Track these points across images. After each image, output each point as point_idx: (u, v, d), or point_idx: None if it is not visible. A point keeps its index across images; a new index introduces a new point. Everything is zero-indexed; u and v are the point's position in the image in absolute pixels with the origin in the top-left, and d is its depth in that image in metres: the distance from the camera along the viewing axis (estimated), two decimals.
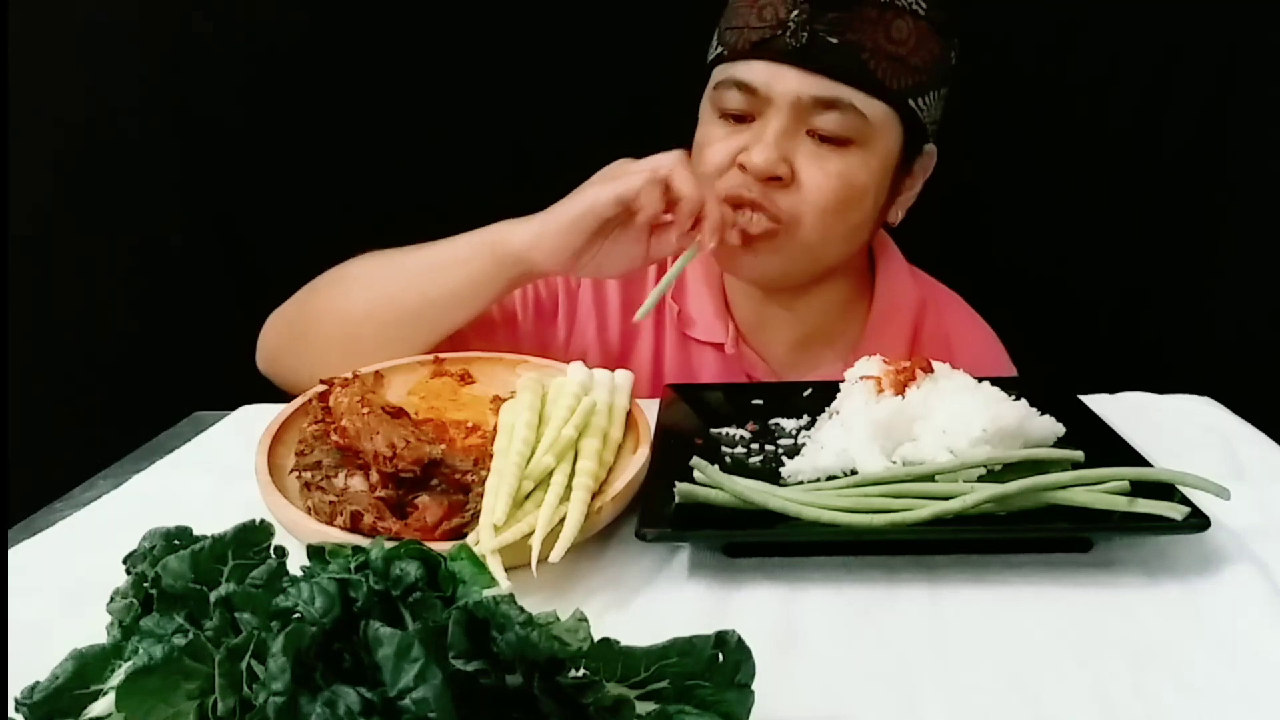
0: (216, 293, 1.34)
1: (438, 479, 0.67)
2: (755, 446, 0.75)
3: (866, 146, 0.90)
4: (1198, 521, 0.59)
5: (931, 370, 0.73)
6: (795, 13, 0.87)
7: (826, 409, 0.76)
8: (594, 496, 0.64)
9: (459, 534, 0.62)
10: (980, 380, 0.74)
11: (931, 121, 0.94)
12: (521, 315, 1.01)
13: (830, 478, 0.67)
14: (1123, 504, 0.60)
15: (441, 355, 0.85)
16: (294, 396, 0.78)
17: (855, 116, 0.88)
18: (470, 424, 0.75)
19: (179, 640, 0.40)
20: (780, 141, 0.89)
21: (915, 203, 1.01)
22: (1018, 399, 0.72)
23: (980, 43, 1.20)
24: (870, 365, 0.76)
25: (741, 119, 0.92)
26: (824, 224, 0.91)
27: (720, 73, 0.93)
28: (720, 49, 0.94)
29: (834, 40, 0.86)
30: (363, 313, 0.90)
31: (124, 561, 0.47)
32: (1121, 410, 0.78)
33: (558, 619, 0.39)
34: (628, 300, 1.04)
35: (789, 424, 0.78)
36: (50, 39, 1.24)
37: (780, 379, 1.03)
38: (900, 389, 0.71)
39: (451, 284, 0.88)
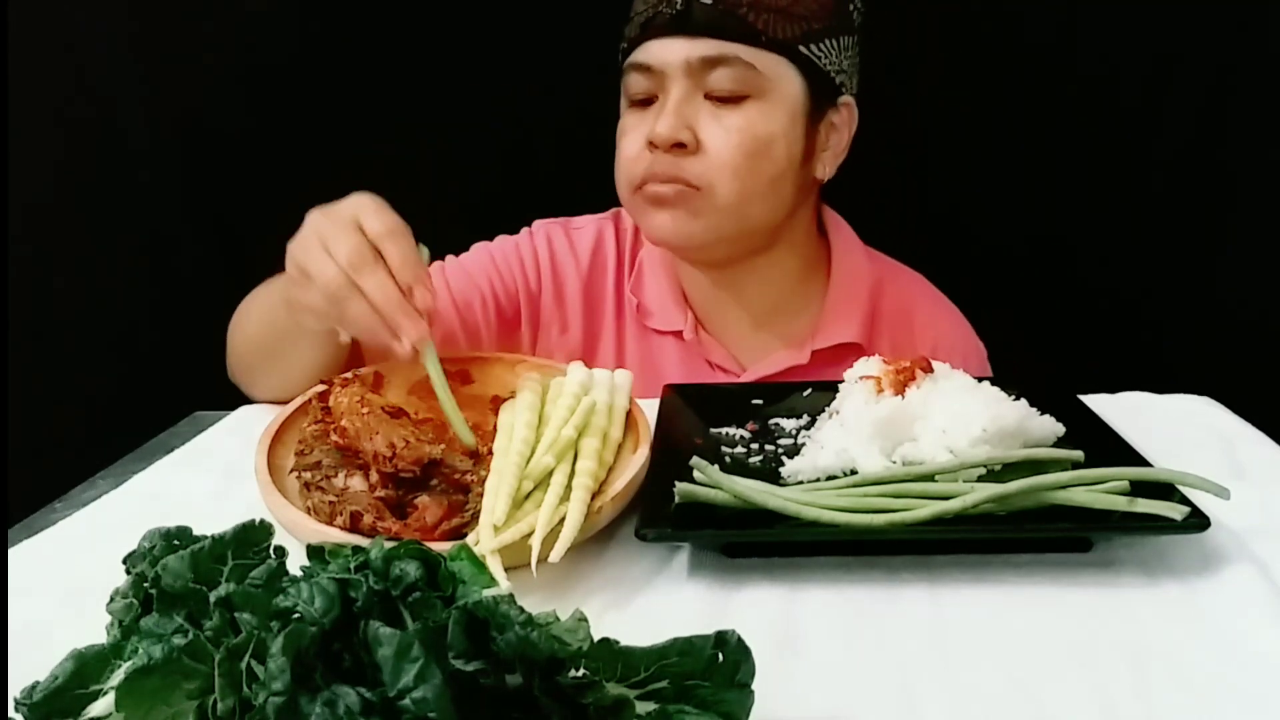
0: (216, 293, 1.34)
1: (437, 479, 0.67)
2: (755, 446, 0.75)
3: (764, 98, 0.91)
4: (1198, 521, 0.59)
5: (931, 370, 0.73)
6: None
7: (826, 409, 0.76)
8: (594, 496, 0.64)
9: (459, 534, 0.62)
10: (980, 380, 0.74)
11: (837, 70, 0.95)
12: (485, 329, 1.01)
13: (830, 478, 0.67)
14: (1123, 504, 0.60)
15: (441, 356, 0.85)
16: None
17: (745, 69, 0.90)
18: (470, 424, 0.75)
19: (179, 640, 0.40)
20: (680, 109, 0.91)
21: (916, 202, 1.01)
22: (1018, 399, 0.72)
23: (980, 38, 1.21)
24: (870, 365, 0.76)
25: (648, 102, 0.94)
26: (738, 182, 0.91)
27: (625, 63, 0.97)
28: (623, 43, 0.97)
29: (708, 2, 0.89)
30: (244, 348, 0.93)
31: (124, 561, 0.47)
32: (1121, 410, 0.78)
33: (558, 619, 0.39)
34: (589, 298, 1.05)
35: (789, 424, 0.78)
36: (50, 40, 1.24)
37: (739, 363, 1.03)
38: (900, 389, 0.71)
39: (282, 330, 0.86)
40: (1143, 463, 0.67)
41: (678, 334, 1.03)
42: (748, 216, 0.95)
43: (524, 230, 1.08)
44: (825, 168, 0.99)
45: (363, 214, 0.74)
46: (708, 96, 0.92)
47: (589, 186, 1.09)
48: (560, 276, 1.05)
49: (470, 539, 0.58)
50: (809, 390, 0.82)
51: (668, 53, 0.91)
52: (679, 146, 0.91)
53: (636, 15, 0.95)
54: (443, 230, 0.96)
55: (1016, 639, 0.55)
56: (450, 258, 1.05)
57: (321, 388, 0.76)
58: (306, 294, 0.74)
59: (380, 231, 0.73)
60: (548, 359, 1.01)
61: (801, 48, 0.92)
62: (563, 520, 0.60)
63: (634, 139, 0.95)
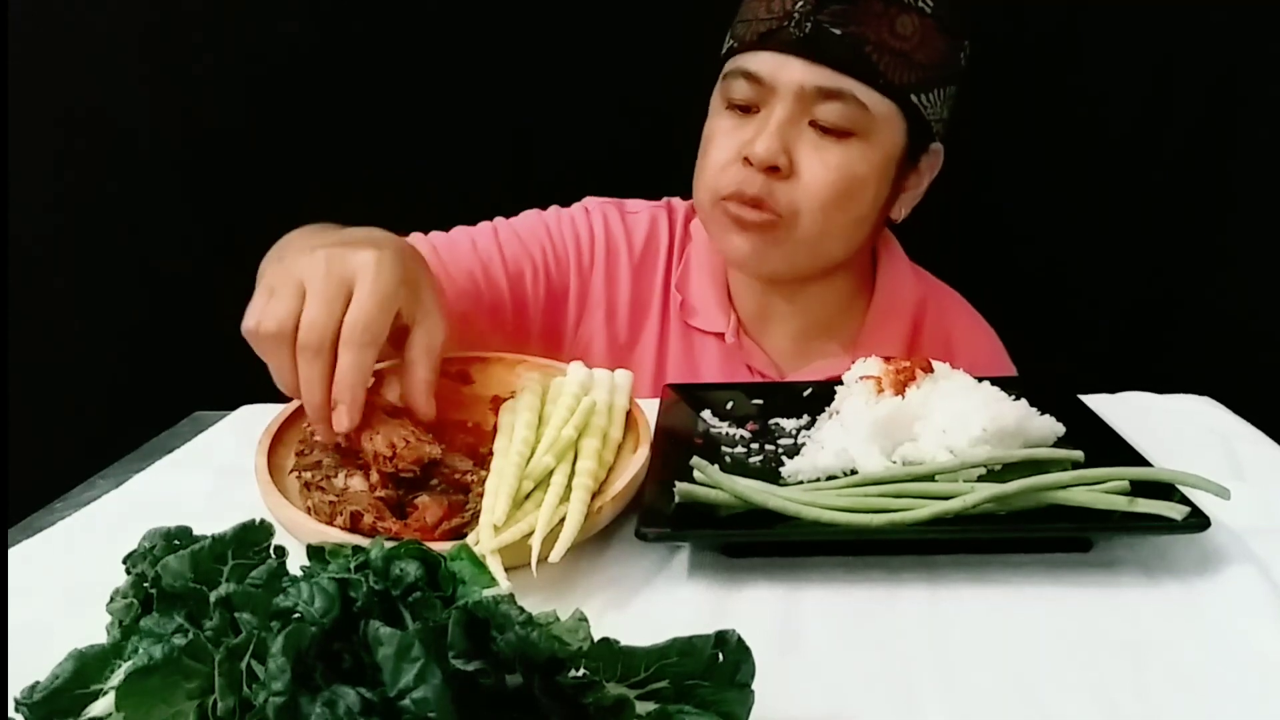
0: (217, 293, 1.34)
1: (438, 479, 0.67)
2: (755, 446, 0.75)
3: (868, 139, 0.91)
4: (1198, 521, 0.59)
5: (931, 370, 0.73)
6: (800, 4, 0.89)
7: (826, 409, 0.76)
8: (594, 496, 0.64)
9: (459, 534, 0.62)
10: (980, 380, 0.74)
11: (937, 120, 0.95)
12: (533, 303, 1.00)
13: (830, 478, 0.67)
14: (1123, 504, 0.60)
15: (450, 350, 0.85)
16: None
17: (857, 108, 0.89)
18: (470, 424, 0.75)
19: (179, 640, 0.40)
20: (782, 130, 0.90)
21: (920, 200, 1.01)
22: (1018, 399, 0.72)
23: (986, 41, 1.21)
24: (870, 365, 0.76)
25: (747, 110, 0.93)
26: (823, 217, 0.92)
27: (730, 65, 0.95)
28: (732, 42, 0.96)
29: (837, 31, 0.88)
30: None
31: (124, 561, 0.47)
32: (1121, 410, 0.78)
33: (558, 619, 0.39)
34: (638, 286, 1.04)
35: (789, 424, 0.78)
36: (53, 40, 1.24)
37: (780, 370, 1.04)
38: (900, 389, 0.71)
39: None
40: (1143, 463, 0.66)
41: (719, 335, 1.02)
42: (824, 252, 0.96)
43: (578, 205, 1.06)
44: (902, 209, 1.00)
45: (361, 280, 0.65)
46: (812, 123, 0.91)
47: (593, 186, 1.09)
48: (614, 258, 1.04)
49: (470, 539, 0.58)
50: (809, 390, 0.82)
51: (783, 71, 0.90)
52: (774, 170, 0.90)
53: (752, 21, 0.93)
54: (444, 230, 0.96)
55: (1016, 639, 0.55)
56: (501, 219, 1.03)
57: None
58: (260, 304, 0.67)
59: (356, 322, 0.64)
60: (587, 343, 1.01)
61: (913, 96, 0.91)
62: (563, 520, 0.60)
63: (726, 147, 0.93)
